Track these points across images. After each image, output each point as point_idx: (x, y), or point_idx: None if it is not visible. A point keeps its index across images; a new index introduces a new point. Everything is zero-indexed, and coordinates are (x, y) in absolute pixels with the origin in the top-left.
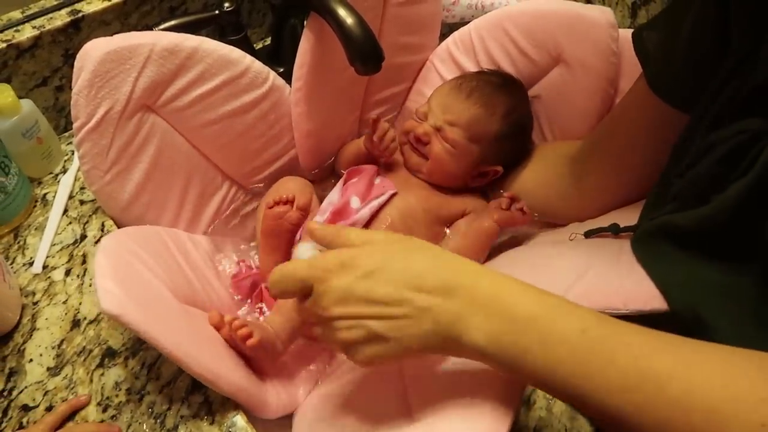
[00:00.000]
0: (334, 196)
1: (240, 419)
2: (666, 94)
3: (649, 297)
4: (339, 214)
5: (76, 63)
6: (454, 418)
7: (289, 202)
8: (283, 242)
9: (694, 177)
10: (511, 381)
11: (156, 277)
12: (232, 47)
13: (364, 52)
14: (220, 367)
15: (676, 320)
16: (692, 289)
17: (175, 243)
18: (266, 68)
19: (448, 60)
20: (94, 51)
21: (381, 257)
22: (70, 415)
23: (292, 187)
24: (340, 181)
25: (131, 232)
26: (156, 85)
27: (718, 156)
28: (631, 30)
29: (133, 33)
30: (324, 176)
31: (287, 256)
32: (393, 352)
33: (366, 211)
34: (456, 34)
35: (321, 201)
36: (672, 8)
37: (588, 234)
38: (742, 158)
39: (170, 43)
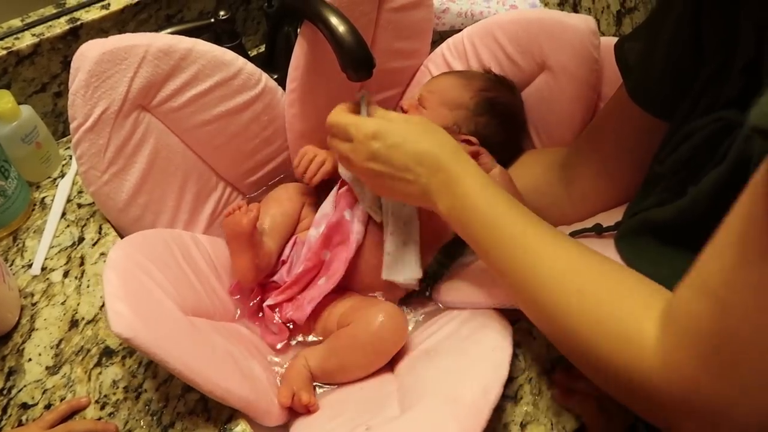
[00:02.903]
0: (327, 207)
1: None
2: (645, 103)
3: None
4: (335, 229)
5: (72, 64)
6: (437, 404)
7: (239, 208)
8: (245, 244)
9: (673, 164)
10: (495, 375)
11: (164, 292)
12: (225, 49)
13: (356, 59)
14: (228, 381)
15: None
16: (674, 284)
17: (179, 247)
18: (259, 70)
19: (442, 65)
20: (90, 52)
21: (402, 135)
22: (69, 415)
23: (282, 194)
24: (333, 191)
25: (137, 241)
26: (151, 85)
27: (696, 142)
28: (616, 38)
29: (129, 34)
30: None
31: (251, 254)
32: (386, 192)
33: (359, 227)
34: (450, 40)
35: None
36: (650, 21)
37: (573, 235)
38: (718, 146)
39: (165, 44)
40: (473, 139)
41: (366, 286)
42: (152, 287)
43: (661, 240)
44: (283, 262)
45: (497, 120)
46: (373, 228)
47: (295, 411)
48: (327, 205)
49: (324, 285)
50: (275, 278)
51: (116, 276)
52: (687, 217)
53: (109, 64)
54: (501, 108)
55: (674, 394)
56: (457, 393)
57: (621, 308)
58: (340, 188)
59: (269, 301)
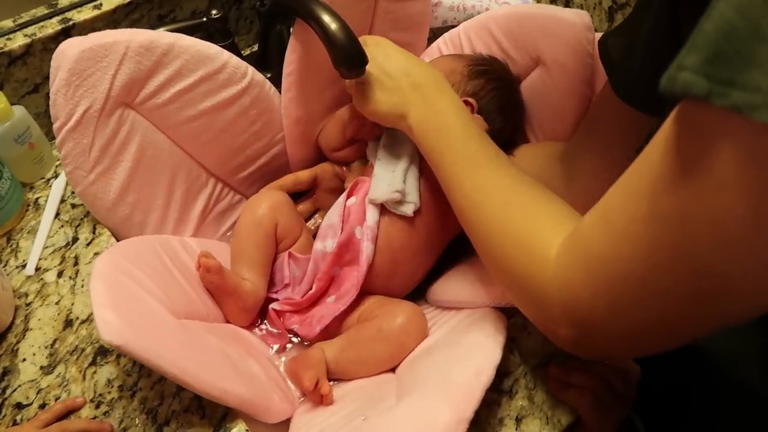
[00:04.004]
0: (334, 218)
1: (239, 427)
2: (628, 98)
3: None
4: (345, 247)
5: (52, 63)
6: (431, 390)
7: (200, 261)
8: (223, 295)
9: None
10: (487, 359)
11: (153, 296)
12: (209, 43)
13: (348, 57)
14: (224, 381)
15: None
16: None
17: (167, 252)
18: (245, 63)
19: None
20: (69, 50)
21: (400, 51)
22: (64, 415)
23: (251, 216)
24: (341, 198)
25: (123, 248)
26: (134, 82)
27: None
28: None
29: (109, 31)
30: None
31: (233, 300)
32: (367, 102)
33: (369, 246)
34: (447, 34)
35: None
36: (632, 16)
37: None
38: None
39: (146, 40)
40: (471, 99)
41: (375, 292)
42: (139, 293)
43: None
44: (287, 285)
45: (493, 85)
46: (384, 242)
47: (305, 402)
48: (334, 216)
49: (334, 305)
50: (279, 296)
51: (101, 284)
52: None
53: (89, 62)
54: (495, 75)
55: (560, 305)
56: (449, 378)
57: (537, 223)
58: (348, 198)
59: (275, 306)
